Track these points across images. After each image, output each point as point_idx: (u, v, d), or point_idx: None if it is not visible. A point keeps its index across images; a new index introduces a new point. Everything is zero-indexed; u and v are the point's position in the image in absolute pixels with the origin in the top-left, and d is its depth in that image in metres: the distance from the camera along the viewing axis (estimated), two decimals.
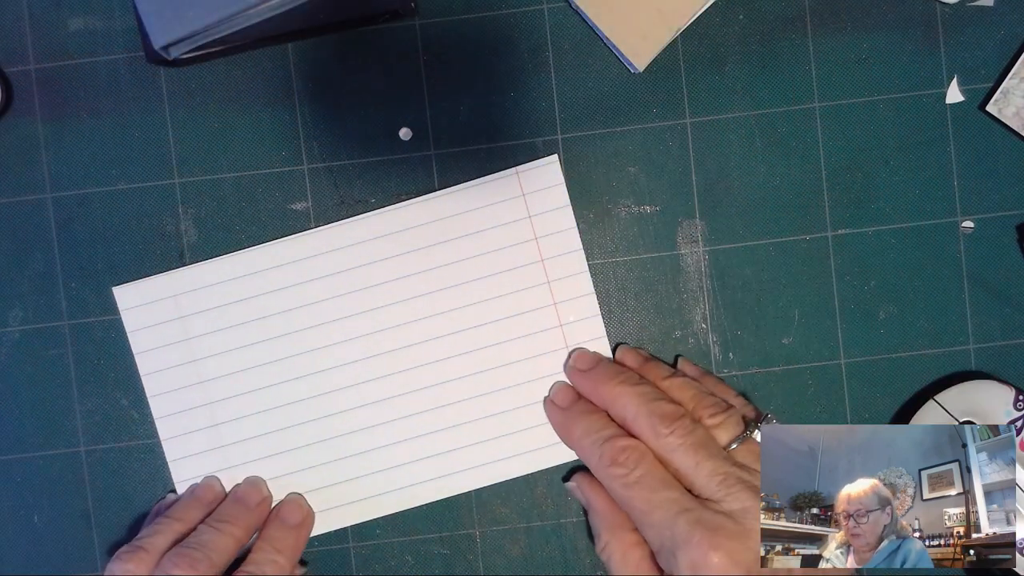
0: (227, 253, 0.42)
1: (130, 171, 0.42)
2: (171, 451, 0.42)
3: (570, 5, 0.42)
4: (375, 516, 0.42)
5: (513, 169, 0.42)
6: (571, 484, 0.41)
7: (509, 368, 0.42)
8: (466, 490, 0.42)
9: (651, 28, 0.40)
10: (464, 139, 0.42)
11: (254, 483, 0.41)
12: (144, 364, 0.42)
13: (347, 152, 0.42)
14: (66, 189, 0.42)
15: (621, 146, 0.42)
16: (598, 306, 0.42)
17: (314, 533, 0.42)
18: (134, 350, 0.42)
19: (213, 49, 0.40)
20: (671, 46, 0.42)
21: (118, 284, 0.42)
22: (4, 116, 0.42)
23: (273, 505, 0.42)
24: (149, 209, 0.42)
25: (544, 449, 0.42)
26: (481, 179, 0.42)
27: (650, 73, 0.42)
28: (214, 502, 0.41)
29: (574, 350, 0.42)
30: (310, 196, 0.42)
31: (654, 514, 0.35)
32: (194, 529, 0.39)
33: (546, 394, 0.42)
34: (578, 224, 0.42)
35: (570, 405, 0.40)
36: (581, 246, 0.42)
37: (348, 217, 0.42)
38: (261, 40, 0.41)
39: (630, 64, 0.41)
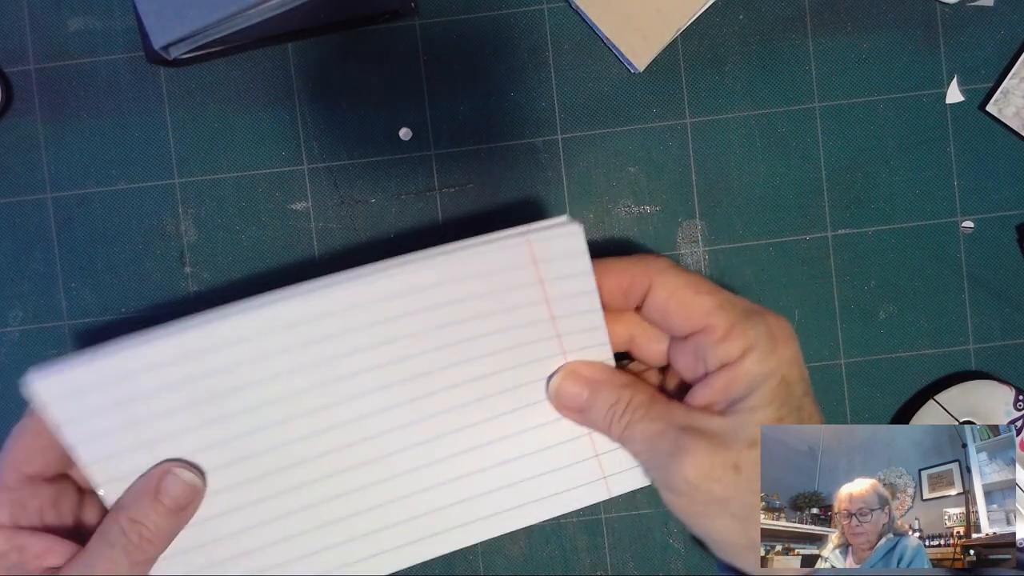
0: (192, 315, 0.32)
1: (130, 171, 0.42)
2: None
3: (570, 5, 0.42)
4: None
5: (524, 237, 0.33)
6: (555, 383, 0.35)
7: (513, 439, 0.35)
8: (466, 545, 0.36)
9: (651, 28, 0.40)
10: (464, 139, 0.42)
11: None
12: (85, 453, 0.32)
13: (347, 152, 0.42)
14: (66, 189, 0.42)
15: (621, 146, 0.42)
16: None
17: None
18: (68, 441, 0.31)
19: (213, 49, 0.40)
20: (671, 46, 0.42)
21: (38, 368, 0.31)
22: (4, 116, 0.42)
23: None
24: (149, 209, 0.42)
25: (550, 498, 0.36)
26: (489, 239, 0.33)
27: (650, 73, 0.42)
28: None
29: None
30: (310, 196, 0.42)
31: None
32: None
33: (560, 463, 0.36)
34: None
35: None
36: (603, 322, 0.34)
37: (347, 217, 0.42)
38: (261, 40, 0.41)
39: (630, 64, 0.41)
